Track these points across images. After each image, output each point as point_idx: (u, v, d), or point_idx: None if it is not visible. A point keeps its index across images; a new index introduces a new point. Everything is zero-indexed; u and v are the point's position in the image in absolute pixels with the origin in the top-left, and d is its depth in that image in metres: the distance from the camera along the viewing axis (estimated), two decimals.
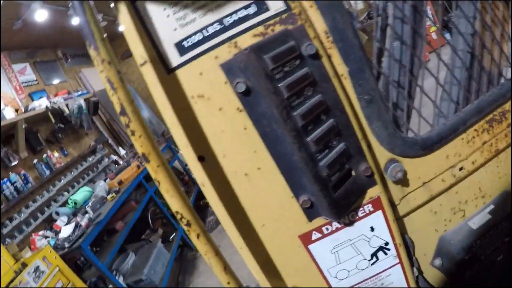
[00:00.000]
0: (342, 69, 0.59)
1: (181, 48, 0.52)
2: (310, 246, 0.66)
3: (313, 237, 0.66)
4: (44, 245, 2.73)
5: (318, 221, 0.65)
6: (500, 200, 0.87)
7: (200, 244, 0.55)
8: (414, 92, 0.77)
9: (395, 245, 0.73)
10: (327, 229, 0.66)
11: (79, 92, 5.09)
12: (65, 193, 3.87)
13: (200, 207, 5.24)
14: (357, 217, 0.67)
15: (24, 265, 2.38)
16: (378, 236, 0.70)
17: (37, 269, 2.37)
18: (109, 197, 3.33)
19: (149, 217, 4.07)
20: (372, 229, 0.69)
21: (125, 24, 0.54)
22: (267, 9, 0.52)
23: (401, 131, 0.72)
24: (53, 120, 4.20)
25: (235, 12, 0.51)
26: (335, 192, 0.59)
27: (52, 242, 2.75)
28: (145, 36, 0.53)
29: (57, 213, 3.25)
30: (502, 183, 0.88)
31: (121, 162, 4.63)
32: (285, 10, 0.53)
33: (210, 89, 0.53)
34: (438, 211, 0.83)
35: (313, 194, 0.60)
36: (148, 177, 3.98)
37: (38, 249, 2.74)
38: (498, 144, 0.82)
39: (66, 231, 2.81)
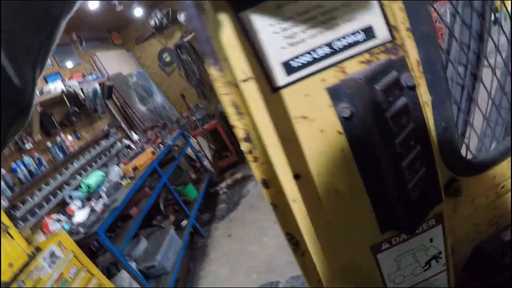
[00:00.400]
0: (426, 97, 0.61)
1: (288, 67, 0.52)
2: (379, 255, 0.69)
3: (383, 247, 0.68)
4: (57, 229, 2.75)
5: (389, 234, 0.68)
6: None
7: (302, 262, 0.55)
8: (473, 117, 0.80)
9: (446, 254, 0.76)
10: (395, 240, 0.69)
11: (94, 76, 5.02)
12: (78, 176, 3.85)
13: (211, 194, 5.31)
14: (421, 230, 0.70)
15: (38, 250, 2.37)
16: (435, 246, 0.73)
17: (52, 254, 2.36)
18: (124, 182, 3.33)
19: (161, 203, 4.08)
20: (431, 240, 0.72)
21: (227, 36, 0.50)
22: (374, 37, 0.53)
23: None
24: (68, 104, 4.16)
25: (344, 36, 0.52)
26: (413, 210, 0.61)
27: (67, 227, 2.75)
28: (249, 51, 0.51)
29: (70, 197, 3.23)
30: None
31: (133, 147, 4.61)
32: (390, 40, 0.54)
33: (314, 111, 0.54)
34: (476, 223, 0.87)
35: (392, 212, 0.62)
36: (161, 164, 4.04)
37: (51, 232, 2.74)
38: None
39: (80, 216, 2.83)
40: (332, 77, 0.54)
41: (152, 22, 6.55)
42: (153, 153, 3.88)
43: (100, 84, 4.84)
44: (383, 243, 0.69)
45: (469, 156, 0.76)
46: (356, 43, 0.53)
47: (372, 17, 0.52)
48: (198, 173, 5.43)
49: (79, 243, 2.57)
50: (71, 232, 2.66)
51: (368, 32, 0.53)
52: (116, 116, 5.36)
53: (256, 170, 0.49)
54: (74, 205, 3.02)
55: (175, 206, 4.29)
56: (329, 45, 0.52)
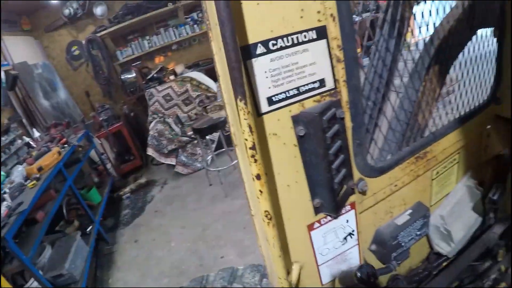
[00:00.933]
0: (349, 124, 0.97)
1: (270, 101, 0.83)
2: (312, 232, 1.04)
3: (315, 226, 1.04)
4: None
5: (320, 215, 1.03)
6: (415, 207, 1.37)
7: (270, 231, 0.85)
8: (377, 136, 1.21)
9: (357, 232, 1.15)
10: (323, 220, 1.05)
11: None
12: None
13: (114, 200, 5.32)
14: (340, 213, 1.07)
15: None
16: (350, 226, 1.12)
17: None
18: (29, 184, 3.24)
19: (65, 208, 3.99)
20: (347, 221, 1.10)
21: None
22: (324, 85, 0.87)
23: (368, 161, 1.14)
24: None
25: (307, 84, 0.85)
26: (337, 198, 0.98)
27: None
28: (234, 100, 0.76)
29: None
30: (417, 195, 1.39)
31: (34, 145, 4.42)
32: (333, 88, 0.88)
33: (281, 130, 0.86)
34: (377, 212, 1.29)
35: (323, 198, 0.97)
36: (67, 165, 3.96)
37: None
38: (419, 171, 1.32)
39: None
40: (296, 109, 0.86)
41: (66, 11, 6.36)
42: (59, 153, 3.80)
43: (5, 73, 4.53)
44: (315, 223, 1.04)
45: (372, 163, 1.16)
46: (313, 89, 0.87)
47: (325, 73, 0.86)
48: (101, 176, 5.37)
49: None
50: None
51: (321, 82, 0.87)
52: (17, 109, 5.01)
53: (253, 166, 0.77)
54: None
55: (78, 210, 4.24)
56: (297, 88, 0.85)
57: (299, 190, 0.95)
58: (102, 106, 6.26)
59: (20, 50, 5.85)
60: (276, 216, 0.90)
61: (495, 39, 1.48)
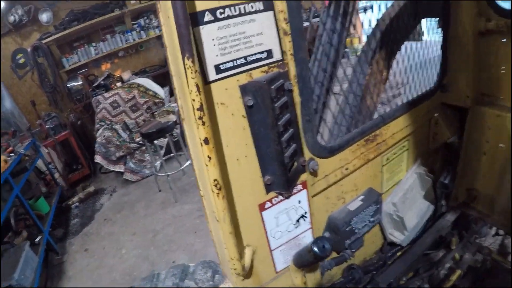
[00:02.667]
0: (298, 99, 1.05)
1: (218, 69, 0.87)
2: (263, 213, 1.08)
3: (266, 206, 1.08)
4: None
5: (271, 194, 1.09)
6: (367, 193, 1.48)
7: (220, 203, 0.90)
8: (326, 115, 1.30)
9: (310, 214, 1.23)
10: (275, 200, 1.09)
11: None
12: None
13: (62, 209, 5.32)
14: (292, 193, 1.14)
15: None
16: (302, 207, 1.18)
17: None
18: None
19: (12, 218, 3.95)
20: (299, 201, 1.17)
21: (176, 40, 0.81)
22: (272, 57, 0.93)
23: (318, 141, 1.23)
24: None
25: (254, 54, 0.91)
26: (288, 174, 1.04)
27: None
28: (182, 58, 0.79)
29: None
30: (368, 181, 1.50)
31: None
32: (281, 59, 0.95)
33: (229, 100, 0.90)
34: (329, 197, 1.37)
35: (274, 174, 1.02)
36: (15, 173, 3.95)
37: None
38: (369, 155, 1.42)
39: None
40: (243, 79, 0.91)
41: (11, 18, 6.28)
42: (5, 161, 3.76)
43: None
44: (266, 202, 1.09)
45: (323, 143, 1.25)
46: (260, 59, 0.92)
47: (272, 44, 0.93)
48: (48, 186, 5.32)
49: None
50: None
51: (269, 53, 0.93)
52: None
53: (201, 131, 0.81)
54: None
55: (27, 221, 4.19)
56: (245, 58, 0.90)
57: (248, 165, 0.99)
58: (48, 115, 6.20)
59: None
60: (226, 191, 0.94)
61: (439, 29, 1.66)
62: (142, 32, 7.23)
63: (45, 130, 5.85)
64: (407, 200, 1.69)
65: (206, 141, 0.80)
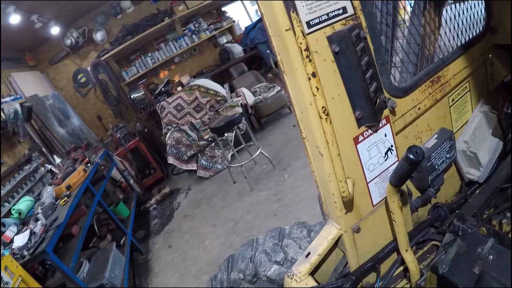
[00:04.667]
0: (371, 46, 1.26)
1: (308, 24, 1.09)
2: (358, 146, 1.30)
3: (359, 139, 1.30)
4: None
5: (362, 129, 1.30)
6: (440, 131, 1.64)
7: (329, 127, 1.13)
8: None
9: (395, 148, 1.42)
10: (366, 133, 1.31)
11: (12, 97, 5.07)
12: (5, 204, 3.87)
13: (141, 213, 5.69)
14: (379, 127, 1.34)
15: None
16: (388, 140, 1.38)
17: (0, 280, 2.42)
18: (61, 202, 3.53)
19: (95, 224, 4.31)
20: (385, 135, 1.36)
21: (277, 4, 1.04)
22: (346, 12, 1.16)
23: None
24: None
25: (333, 11, 1.14)
26: (374, 108, 1.25)
27: (6, 252, 2.80)
28: (288, 14, 1.04)
29: (3, 224, 3.26)
30: (440, 121, 1.66)
31: (56, 171, 4.73)
32: (354, 13, 1.18)
33: (320, 49, 1.13)
34: (407, 136, 1.55)
35: (363, 109, 1.24)
36: (94, 181, 4.30)
37: None
38: (437, 95, 1.59)
39: (19, 240, 2.92)
40: (329, 31, 1.14)
41: (68, 41, 6.87)
42: (84, 171, 4.15)
43: (20, 105, 4.94)
44: (359, 136, 1.31)
45: (396, 84, 1.44)
46: (338, 15, 1.15)
47: (345, 2, 1.16)
48: (125, 192, 5.73)
49: (25, 266, 2.68)
50: (14, 257, 2.74)
51: (344, 9, 1.16)
52: (35, 139, 5.42)
53: (309, 67, 1.05)
54: (10, 231, 3.11)
55: (109, 226, 4.56)
56: (327, 14, 1.14)
57: (342, 103, 1.19)
58: (117, 126, 6.70)
59: (29, 84, 6.34)
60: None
61: None
62: (193, 36, 7.67)
63: (117, 139, 6.28)
64: (477, 138, 1.82)
65: (313, 74, 1.04)
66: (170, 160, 6.16)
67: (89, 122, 7.42)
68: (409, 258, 1.57)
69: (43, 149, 5.50)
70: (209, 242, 4.31)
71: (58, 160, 5.32)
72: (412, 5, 1.59)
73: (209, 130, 6.08)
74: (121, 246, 4.24)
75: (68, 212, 3.30)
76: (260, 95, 6.95)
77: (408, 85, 1.45)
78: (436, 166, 1.63)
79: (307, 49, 1.03)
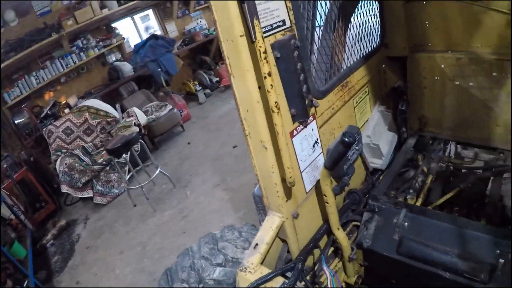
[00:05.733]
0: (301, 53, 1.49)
1: (264, 31, 1.28)
2: (293, 139, 1.51)
3: (294, 133, 1.51)
4: None
5: (296, 124, 1.51)
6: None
7: (279, 119, 1.31)
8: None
9: (320, 140, 1.67)
10: (298, 129, 1.53)
11: None
12: None
13: (38, 251, 5.18)
14: (308, 122, 1.57)
15: None
16: (314, 134, 1.62)
17: None
18: None
19: None
20: (312, 130, 1.60)
21: (234, 13, 1.19)
22: (285, 24, 1.37)
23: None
24: None
25: (276, 22, 1.33)
26: (306, 106, 1.48)
27: None
28: (251, 21, 1.18)
29: None
30: (348, 120, 1.98)
31: None
32: (290, 26, 1.40)
33: (267, 54, 1.32)
34: (325, 133, 1.82)
35: (297, 107, 1.46)
36: None
37: None
38: (345, 97, 1.90)
39: None
40: (272, 40, 1.34)
41: None
42: None
43: None
44: (293, 131, 1.52)
45: (317, 87, 1.70)
46: (279, 26, 1.36)
47: (285, 16, 1.38)
48: (17, 230, 5.15)
49: None
50: None
51: (283, 22, 1.38)
52: None
53: (266, 66, 1.22)
54: None
55: (7, 270, 4.08)
56: (271, 25, 1.33)
57: (280, 100, 1.39)
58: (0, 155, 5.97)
59: None
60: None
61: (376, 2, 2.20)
62: (81, 53, 7.30)
63: (3, 170, 5.61)
64: (377, 133, 2.20)
65: (269, 74, 1.21)
66: (64, 188, 5.75)
67: None
68: (341, 235, 1.81)
69: None
70: (120, 271, 4.16)
71: None
72: (323, 21, 1.89)
73: (103, 153, 5.97)
74: None
75: None
76: (152, 114, 6.95)
77: (326, 88, 1.72)
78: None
79: (265, 51, 1.19)
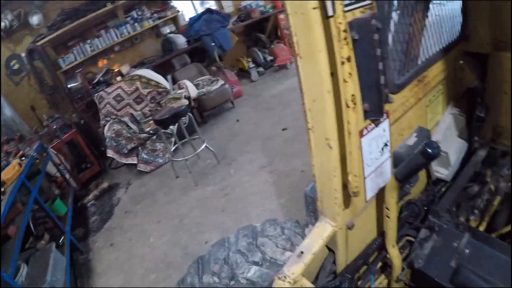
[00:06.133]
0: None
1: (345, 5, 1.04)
2: (362, 139, 1.27)
3: (364, 133, 1.27)
4: None
5: (367, 122, 1.27)
6: (418, 130, 1.68)
7: (354, 117, 1.08)
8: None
9: (390, 142, 1.42)
10: (369, 127, 1.28)
11: None
12: None
13: (79, 209, 5.32)
14: (380, 121, 1.32)
15: None
16: (385, 135, 1.37)
17: None
18: None
19: (31, 222, 3.92)
20: (384, 130, 1.36)
21: None
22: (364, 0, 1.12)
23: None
24: None
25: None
26: (382, 101, 1.23)
27: None
28: None
29: None
30: (418, 121, 1.71)
31: None
32: (371, 3, 1.14)
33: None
34: (393, 133, 1.57)
35: (372, 102, 1.21)
36: (29, 176, 3.92)
37: None
38: (419, 94, 1.63)
39: None
40: (350, 17, 1.10)
41: (1, 24, 6.17)
42: (19, 165, 3.75)
43: None
44: (364, 130, 1.28)
45: (393, 80, 1.45)
46: (360, 1, 1.12)
47: None
48: (61, 188, 5.29)
49: None
50: None
51: None
52: None
53: (345, 50, 0.99)
54: None
55: (46, 224, 4.18)
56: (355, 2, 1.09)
57: (354, 85, 1.15)
58: (52, 117, 6.23)
59: None
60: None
61: None
62: (136, 24, 7.26)
63: (53, 130, 5.81)
64: (447, 139, 1.91)
65: (349, 59, 0.98)
66: (110, 153, 5.80)
67: (21, 112, 6.68)
68: (395, 253, 1.59)
69: None
70: (154, 240, 4.10)
71: None
72: (399, 5, 1.61)
73: (150, 122, 5.92)
74: (60, 246, 3.88)
75: (4, 211, 2.96)
76: (203, 88, 6.77)
77: (402, 82, 1.47)
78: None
79: (346, 30, 0.96)
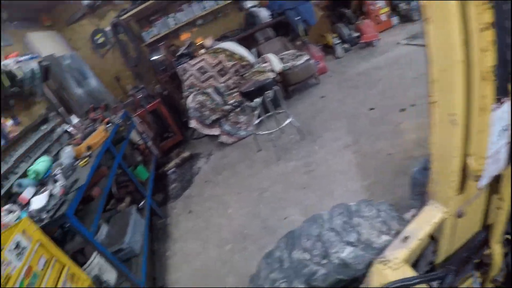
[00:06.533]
0: None
1: None
2: (493, 113, 1.13)
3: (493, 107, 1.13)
4: (11, 221, 2.61)
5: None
6: None
7: (490, 89, 0.96)
8: None
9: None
10: (495, 106, 1.15)
11: (29, 56, 4.74)
12: (21, 164, 3.65)
13: (160, 176, 5.53)
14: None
15: None
16: (505, 118, 1.18)
17: (18, 245, 2.17)
18: (81, 162, 3.33)
19: (114, 186, 4.18)
20: (504, 112, 1.20)
21: None
22: None
23: None
24: (6, 84, 3.88)
25: None
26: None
27: (24, 215, 2.59)
28: None
29: (19, 185, 3.08)
30: None
31: (74, 132, 4.59)
32: None
33: None
34: None
35: (503, 78, 1.09)
36: (114, 142, 4.12)
37: (5, 226, 2.52)
38: None
39: (38, 202, 2.70)
40: None
41: (85, 2, 6.66)
42: (105, 131, 3.93)
43: (39, 64, 4.68)
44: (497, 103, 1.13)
45: None
46: None
47: None
48: (143, 155, 5.53)
49: (44, 230, 2.43)
50: (32, 220, 2.48)
51: None
52: (52, 100, 5.18)
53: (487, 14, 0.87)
54: (27, 193, 2.90)
55: (128, 188, 4.41)
56: None
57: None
58: (136, 87, 6.57)
59: (45, 44, 6.11)
60: None
61: None
62: None
63: (137, 100, 6.12)
64: None
65: (493, 25, 0.87)
66: (193, 123, 5.90)
67: (106, 83, 7.16)
68: (498, 250, 1.44)
69: (61, 109, 5.26)
70: (233, 211, 4.08)
71: (75, 120, 5.09)
72: None
73: (234, 94, 5.97)
74: (140, 209, 4.05)
75: (90, 173, 3.09)
76: (288, 63, 6.58)
77: None
78: None
79: None
